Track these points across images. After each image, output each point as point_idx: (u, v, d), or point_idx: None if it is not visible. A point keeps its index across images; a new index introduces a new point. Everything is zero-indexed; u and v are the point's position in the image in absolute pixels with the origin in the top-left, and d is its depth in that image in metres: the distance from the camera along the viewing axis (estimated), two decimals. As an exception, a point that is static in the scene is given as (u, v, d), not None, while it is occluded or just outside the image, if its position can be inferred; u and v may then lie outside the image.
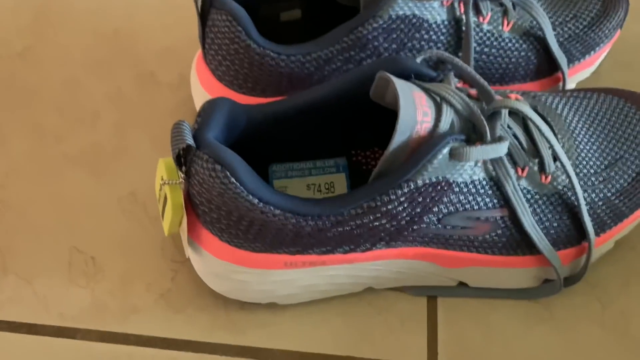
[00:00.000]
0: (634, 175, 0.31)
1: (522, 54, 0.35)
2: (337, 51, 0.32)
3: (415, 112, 0.25)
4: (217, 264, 0.30)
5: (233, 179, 0.25)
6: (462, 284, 0.32)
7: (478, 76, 0.27)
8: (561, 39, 0.36)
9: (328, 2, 0.36)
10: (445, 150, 0.26)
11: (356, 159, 0.33)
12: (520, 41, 0.35)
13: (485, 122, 0.26)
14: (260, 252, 0.28)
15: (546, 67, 0.36)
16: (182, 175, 0.27)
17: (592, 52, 0.37)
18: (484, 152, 0.26)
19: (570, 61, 0.36)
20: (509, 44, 0.34)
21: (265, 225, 0.27)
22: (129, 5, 0.46)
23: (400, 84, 0.26)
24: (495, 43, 0.34)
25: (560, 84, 0.36)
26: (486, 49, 0.34)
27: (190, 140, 0.25)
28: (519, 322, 0.32)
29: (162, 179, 0.28)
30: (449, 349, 0.31)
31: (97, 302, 0.33)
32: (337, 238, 0.27)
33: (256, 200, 0.26)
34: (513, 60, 0.35)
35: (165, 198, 0.29)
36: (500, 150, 0.27)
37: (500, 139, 0.27)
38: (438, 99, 0.27)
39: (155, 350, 0.31)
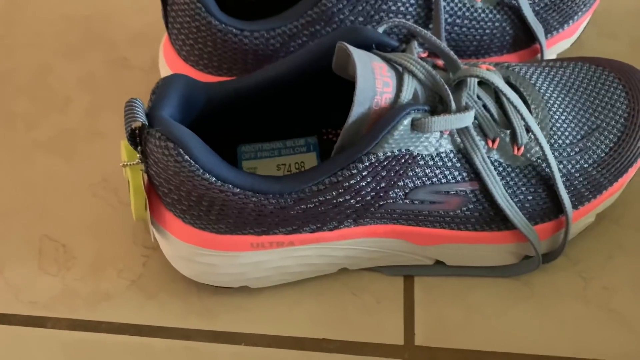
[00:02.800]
0: (611, 145, 0.30)
1: (497, 24, 0.34)
2: (302, 25, 0.31)
3: (375, 82, 0.24)
4: (183, 247, 0.29)
5: (187, 157, 0.24)
6: (438, 263, 0.32)
7: (443, 45, 0.26)
8: (537, 8, 0.34)
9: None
10: (407, 121, 0.25)
11: (327, 137, 0.32)
12: (494, 11, 0.33)
13: (449, 91, 0.25)
14: (225, 234, 0.28)
15: (523, 38, 0.35)
16: (139, 156, 0.26)
17: (571, 21, 0.36)
18: (448, 122, 0.25)
19: (548, 31, 0.35)
20: (482, 15, 0.33)
21: (226, 205, 0.26)
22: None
23: (358, 54, 0.25)
24: (467, 14, 0.33)
25: (539, 55, 0.35)
26: (458, 20, 0.33)
27: (142, 118, 0.24)
28: (498, 300, 0.31)
29: (122, 161, 0.27)
30: (427, 329, 0.31)
31: (68, 290, 0.33)
32: (302, 216, 0.27)
33: (213, 179, 0.25)
34: (487, 31, 0.34)
35: (129, 181, 0.28)
36: (465, 120, 0.26)
37: (465, 109, 0.26)
38: (400, 68, 0.26)
39: (127, 337, 0.31)
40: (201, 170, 0.25)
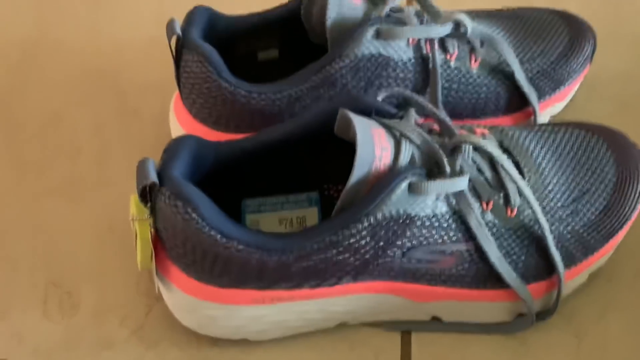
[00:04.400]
0: (601, 208, 0.31)
1: (492, 89, 0.35)
2: (307, 89, 0.33)
3: (374, 147, 0.26)
4: (185, 299, 0.30)
5: (194, 215, 0.25)
6: (435, 319, 0.32)
7: (439, 112, 0.28)
8: (530, 75, 0.36)
9: (304, 41, 0.37)
10: (404, 185, 0.26)
11: (328, 193, 0.34)
12: (489, 77, 0.35)
13: (443, 157, 0.27)
14: (227, 288, 0.28)
15: (517, 102, 0.36)
16: (148, 212, 0.27)
17: (562, 87, 0.37)
18: (443, 186, 0.26)
19: (541, 96, 0.37)
20: (478, 80, 0.35)
21: (230, 261, 0.27)
22: (116, 43, 0.48)
23: (358, 121, 0.26)
24: (463, 79, 0.35)
25: (532, 117, 0.37)
26: (455, 85, 0.35)
27: (153, 177, 0.26)
28: (494, 357, 0.32)
29: (131, 215, 0.28)
30: (423, 385, 0.31)
31: (71, 337, 0.33)
32: (303, 273, 0.28)
33: (219, 236, 0.26)
34: (482, 95, 0.35)
35: (136, 233, 0.29)
36: (459, 184, 0.27)
37: (460, 173, 0.27)
38: (397, 134, 0.27)
39: (125, 388, 0.31)
40: (207, 228, 0.26)
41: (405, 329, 0.32)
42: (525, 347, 0.32)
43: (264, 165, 0.31)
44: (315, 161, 0.32)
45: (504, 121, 0.37)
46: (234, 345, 0.32)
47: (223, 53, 0.36)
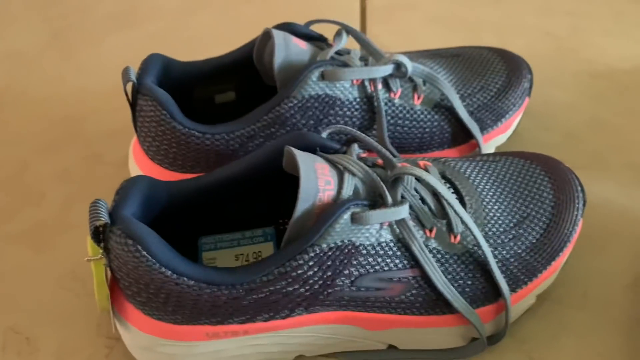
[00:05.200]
0: (541, 231, 0.33)
1: (435, 124, 0.37)
2: (259, 128, 0.34)
3: (317, 180, 0.27)
4: (143, 338, 0.30)
5: (144, 252, 0.26)
6: (392, 347, 0.33)
7: (379, 146, 0.29)
8: (471, 109, 0.38)
9: (260, 84, 0.39)
10: (346, 215, 0.27)
11: (284, 227, 0.35)
12: (432, 112, 0.37)
13: (384, 187, 0.28)
14: (182, 324, 0.29)
15: (461, 135, 0.38)
16: (102, 251, 0.28)
17: (503, 119, 0.39)
18: (384, 215, 0.28)
19: (483, 128, 0.39)
20: (422, 116, 0.37)
21: (182, 297, 0.28)
22: (81, 91, 0.49)
23: (301, 156, 0.28)
24: (407, 115, 0.37)
25: (477, 149, 0.39)
26: (400, 122, 0.36)
27: (105, 217, 0.27)
28: (451, 382, 0.32)
29: (88, 256, 0.29)
30: (380, 414, 0.31)
31: (31, 383, 0.33)
32: (254, 305, 0.28)
33: (169, 272, 0.27)
34: (427, 130, 0.37)
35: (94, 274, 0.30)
36: (400, 213, 0.28)
37: (400, 203, 0.28)
38: (341, 168, 0.29)
39: None
40: (158, 265, 0.27)
41: (363, 359, 0.33)
42: (479, 371, 0.33)
43: (219, 203, 0.32)
44: (270, 197, 0.34)
45: (450, 154, 0.38)
46: (193, 383, 0.32)
47: (180, 97, 0.37)
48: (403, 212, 0.28)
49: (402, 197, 0.29)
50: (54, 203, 0.41)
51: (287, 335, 0.31)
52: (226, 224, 0.34)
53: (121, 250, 0.27)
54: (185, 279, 0.27)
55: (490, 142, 0.40)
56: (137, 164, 0.37)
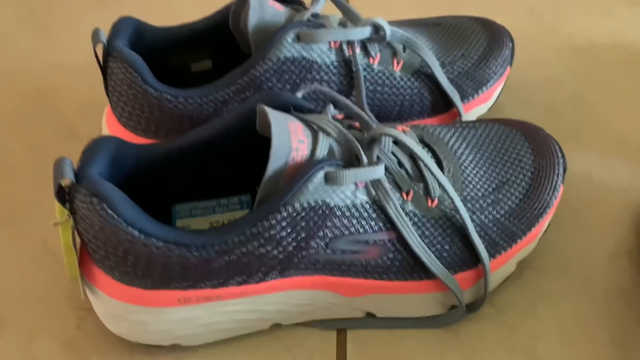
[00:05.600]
0: (520, 197, 0.32)
1: (415, 91, 0.37)
2: (233, 92, 0.34)
3: (289, 139, 0.27)
4: (113, 305, 0.29)
5: (110, 211, 0.25)
6: (370, 315, 0.33)
7: (355, 107, 0.29)
8: (451, 76, 0.38)
9: (238, 53, 0.38)
10: (320, 175, 0.27)
11: (260, 196, 0.34)
12: (412, 79, 0.37)
13: (359, 148, 0.28)
14: (152, 289, 0.28)
15: (442, 103, 0.38)
16: (67, 212, 0.27)
17: (485, 88, 0.39)
18: (359, 174, 0.27)
19: (464, 97, 0.38)
20: (401, 83, 0.36)
21: (151, 259, 0.27)
22: (55, 66, 0.48)
23: (274, 115, 0.27)
24: (387, 82, 0.36)
25: (458, 118, 0.38)
26: (379, 88, 0.36)
27: (69, 175, 0.26)
28: (429, 351, 0.32)
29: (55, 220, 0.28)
30: (358, 382, 0.31)
31: (1, 357, 0.32)
32: (226, 269, 0.28)
33: (136, 233, 0.26)
34: (407, 97, 0.37)
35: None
36: (375, 173, 0.28)
37: (376, 163, 0.28)
38: (315, 128, 0.28)
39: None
40: (124, 224, 0.26)
41: (340, 327, 0.33)
42: (458, 339, 0.32)
43: (192, 169, 0.32)
44: (245, 163, 0.33)
45: (431, 122, 0.38)
46: (167, 352, 0.32)
47: (154, 64, 0.36)
48: (379, 172, 0.28)
49: (378, 158, 0.29)
50: (25, 177, 0.40)
51: (261, 301, 0.30)
52: (200, 191, 0.33)
53: (86, 209, 0.26)
54: (153, 240, 0.26)
55: (471, 112, 0.39)
56: (110, 131, 0.36)
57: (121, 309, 0.29)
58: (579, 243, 0.36)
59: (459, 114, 0.38)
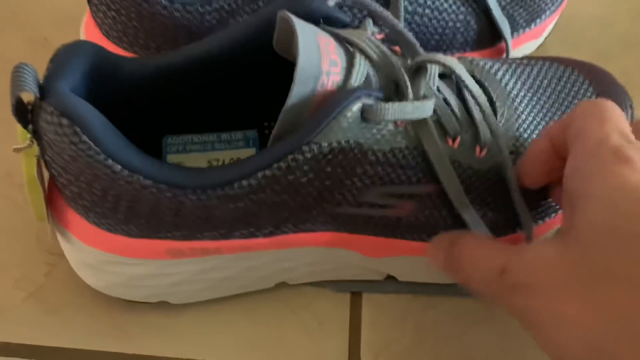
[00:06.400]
0: (581, 150, 0.27)
1: (461, 17, 0.31)
2: (243, 1, 0.27)
3: (320, 59, 0.21)
4: (88, 253, 0.24)
5: (85, 137, 0.20)
6: (390, 278, 0.28)
7: (401, 26, 0.23)
8: (503, 3, 0.32)
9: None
10: (356, 107, 0.21)
11: (269, 132, 0.28)
12: (459, 2, 0.31)
13: (406, 78, 0.22)
14: (137, 237, 0.23)
15: (488, 36, 0.32)
16: (30, 136, 0.21)
17: (538, 20, 0.33)
18: (403, 111, 0.22)
19: (514, 29, 0.33)
20: (446, 5, 0.30)
21: (136, 201, 0.21)
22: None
23: (301, 26, 0.21)
24: (429, 2, 0.30)
25: (504, 55, 0.33)
26: (419, 9, 0.30)
27: (31, 88, 0.20)
28: (454, 322, 0.28)
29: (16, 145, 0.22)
30: (374, 353, 0.27)
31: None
32: (230, 218, 0.22)
33: (118, 167, 0.20)
34: (450, 24, 0.31)
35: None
36: (423, 110, 0.22)
37: (424, 97, 0.22)
38: (351, 47, 0.22)
39: (17, 361, 0.26)
40: (103, 156, 0.20)
41: (356, 290, 0.28)
42: (489, 310, 0.28)
43: (189, 94, 0.26)
44: (254, 92, 0.27)
45: (474, 55, 0.32)
46: (152, 310, 0.27)
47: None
48: (427, 109, 0.22)
49: (425, 93, 0.23)
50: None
51: (268, 257, 0.25)
52: (197, 123, 0.28)
53: (54, 133, 0.20)
54: (140, 177, 0.21)
55: (519, 49, 0.34)
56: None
57: (98, 258, 0.24)
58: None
59: (506, 50, 0.32)
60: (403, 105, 0.22)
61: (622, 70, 0.38)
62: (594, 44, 0.39)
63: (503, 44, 0.32)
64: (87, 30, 0.31)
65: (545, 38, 0.36)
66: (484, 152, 0.25)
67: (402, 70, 0.22)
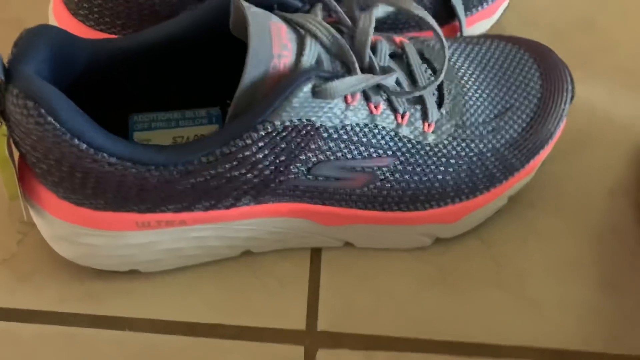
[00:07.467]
0: (524, 125, 0.29)
1: (415, -4, 0.32)
2: (203, -17, 0.28)
3: (271, 43, 0.22)
4: (59, 226, 0.26)
5: (50, 118, 0.21)
6: (348, 245, 0.30)
7: (345, 8, 0.24)
8: (456, -18, 0.33)
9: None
10: (307, 87, 0.22)
11: (232, 109, 0.30)
12: (413, -18, 0.32)
13: (354, 58, 0.23)
14: (106, 211, 0.25)
15: (442, 14, 0.33)
16: (-1, 117, 0.22)
17: (490, 0, 0.34)
18: (352, 84, 0.23)
19: (468, 8, 0.34)
20: (400, -15, 0.32)
21: (103, 178, 0.23)
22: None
23: (254, 12, 0.22)
24: (383, -18, 0.31)
25: (458, 34, 0.34)
26: (375, -11, 0.31)
27: (-4, 72, 0.21)
28: (409, 285, 0.30)
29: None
30: (332, 314, 0.29)
31: None
32: (192, 192, 0.24)
33: (84, 146, 0.22)
34: (406, 3, 0.32)
35: None
36: (371, 82, 0.23)
37: (371, 70, 0.24)
38: (302, 31, 0.23)
39: (-7, 324, 0.27)
40: (68, 135, 0.21)
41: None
42: (441, 273, 0.30)
43: (153, 74, 0.27)
44: (216, 70, 0.28)
45: (428, 36, 0.34)
46: (121, 277, 0.29)
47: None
48: (374, 81, 0.24)
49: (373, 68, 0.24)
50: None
51: (231, 228, 0.27)
52: (162, 102, 0.29)
53: (20, 115, 0.21)
54: (105, 155, 0.22)
55: (473, 28, 0.35)
56: (58, 21, 0.31)
57: (69, 230, 0.26)
58: (575, 178, 0.34)
59: (460, 29, 0.34)
60: (353, 78, 0.23)
61: (579, 53, 0.39)
62: (552, 25, 0.40)
63: (457, 23, 0.34)
64: (55, 10, 0.31)
65: (501, 16, 0.37)
66: (431, 127, 0.27)
67: (350, 51, 0.23)
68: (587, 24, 0.40)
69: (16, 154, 0.25)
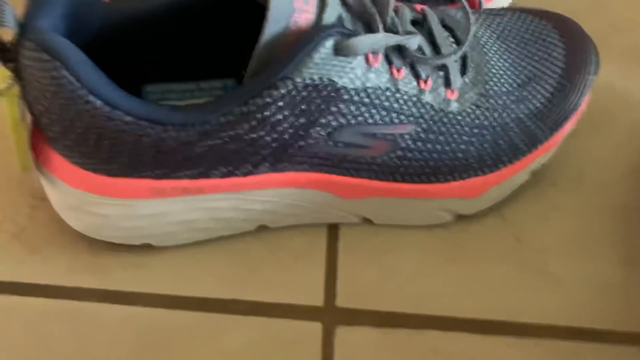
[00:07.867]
0: (547, 95, 0.28)
1: (435, -31, 0.32)
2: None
3: (293, -3, 0.21)
4: (70, 194, 0.25)
5: (66, 72, 0.20)
6: (366, 221, 0.29)
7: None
8: (476, -45, 0.33)
9: None
10: (329, 44, 0.22)
11: (248, 81, 0.29)
12: (433, -46, 0.31)
13: (377, 16, 0.23)
14: (119, 177, 0.24)
15: (461, -11, 0.33)
16: (11, 75, 0.22)
17: (511, -27, 0.34)
18: (373, 42, 0.22)
19: (487, -19, 0.33)
20: (420, -44, 0.31)
21: (118, 138, 0.22)
22: None
23: (274, -36, 0.22)
24: (404, -47, 0.31)
25: (478, 4, 0.33)
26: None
27: (10, 24, 0.20)
28: (428, 261, 0.29)
29: (-3, 88, 0.23)
30: (350, 290, 0.28)
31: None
32: (209, 155, 0.23)
33: (99, 102, 0.21)
34: (424, -25, 0.32)
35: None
36: (393, 39, 0.23)
37: (394, 30, 0.23)
38: (323, -13, 0.23)
39: (2, 297, 0.27)
40: (85, 91, 0.21)
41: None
42: (462, 250, 0.29)
43: (165, 40, 0.26)
44: (233, 39, 0.28)
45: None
46: (133, 250, 0.28)
47: None
48: (397, 39, 0.23)
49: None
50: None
51: (249, 198, 0.26)
52: (177, 72, 0.28)
53: (35, 69, 0.21)
54: (120, 112, 0.21)
55: (493, 2, 0.34)
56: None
57: (80, 198, 0.25)
58: (595, 156, 0.33)
59: (479, 4, 0.33)
60: (377, 36, 0.22)
61: (594, 29, 0.39)
62: (565, 3, 0.40)
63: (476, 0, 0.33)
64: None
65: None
66: (455, 95, 0.26)
67: (374, 10, 0.23)
68: (602, 3, 0.40)
69: (27, 120, 0.24)
